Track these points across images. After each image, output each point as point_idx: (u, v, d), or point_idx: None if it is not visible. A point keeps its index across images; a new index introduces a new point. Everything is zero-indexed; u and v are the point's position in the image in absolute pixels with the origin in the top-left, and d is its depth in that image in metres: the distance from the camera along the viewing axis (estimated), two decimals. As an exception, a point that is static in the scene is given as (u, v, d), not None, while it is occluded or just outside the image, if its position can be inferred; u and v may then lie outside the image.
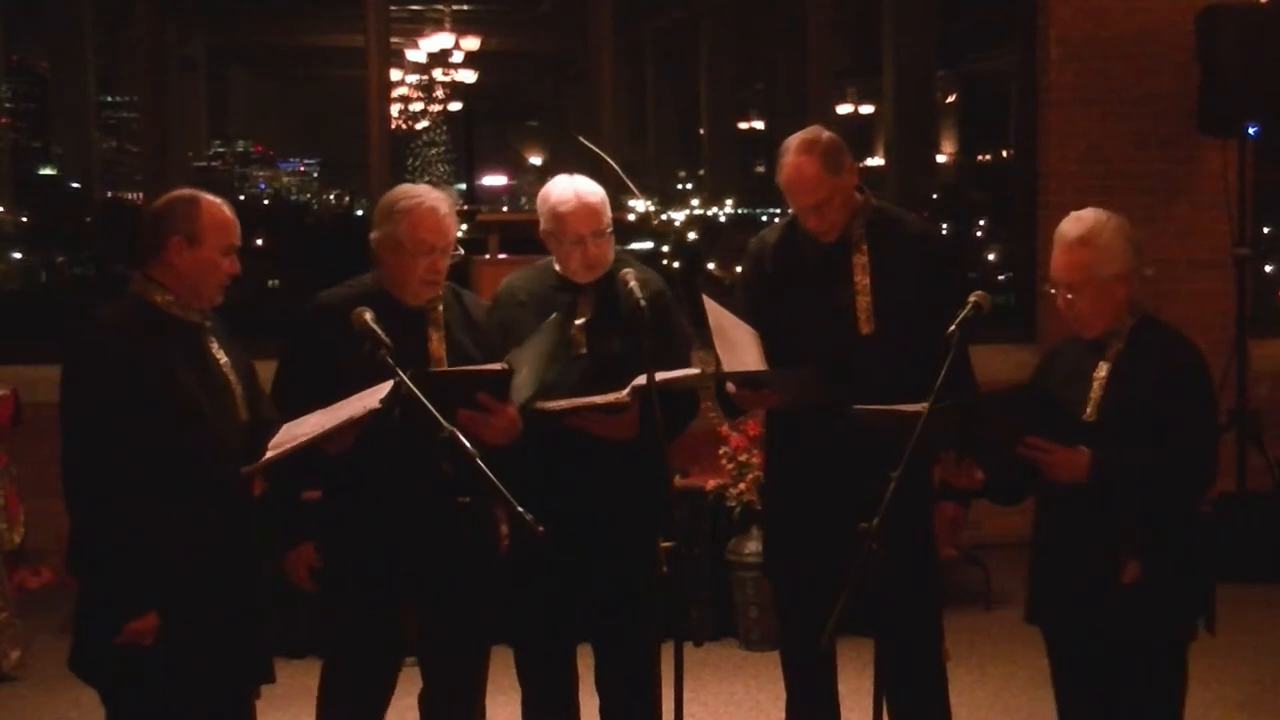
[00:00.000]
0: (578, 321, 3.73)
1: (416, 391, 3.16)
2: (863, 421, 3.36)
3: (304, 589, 3.55)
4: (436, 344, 3.59)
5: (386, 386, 3.21)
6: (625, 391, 3.53)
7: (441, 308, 3.64)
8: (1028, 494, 3.52)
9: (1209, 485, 3.41)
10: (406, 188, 3.66)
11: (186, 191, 3.37)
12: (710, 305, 3.62)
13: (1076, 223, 3.40)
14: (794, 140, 3.73)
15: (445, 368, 3.54)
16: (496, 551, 3.70)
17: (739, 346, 3.62)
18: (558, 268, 3.82)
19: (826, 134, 3.75)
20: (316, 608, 3.58)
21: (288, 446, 3.25)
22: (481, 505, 3.55)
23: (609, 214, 3.77)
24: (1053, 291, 3.43)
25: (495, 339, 3.71)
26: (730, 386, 3.64)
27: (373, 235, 3.62)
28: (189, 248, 3.26)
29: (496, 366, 3.49)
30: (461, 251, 3.67)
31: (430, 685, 3.69)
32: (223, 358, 3.34)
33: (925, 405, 3.21)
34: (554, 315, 3.66)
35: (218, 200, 3.35)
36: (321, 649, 3.69)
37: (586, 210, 3.71)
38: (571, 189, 3.75)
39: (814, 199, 3.67)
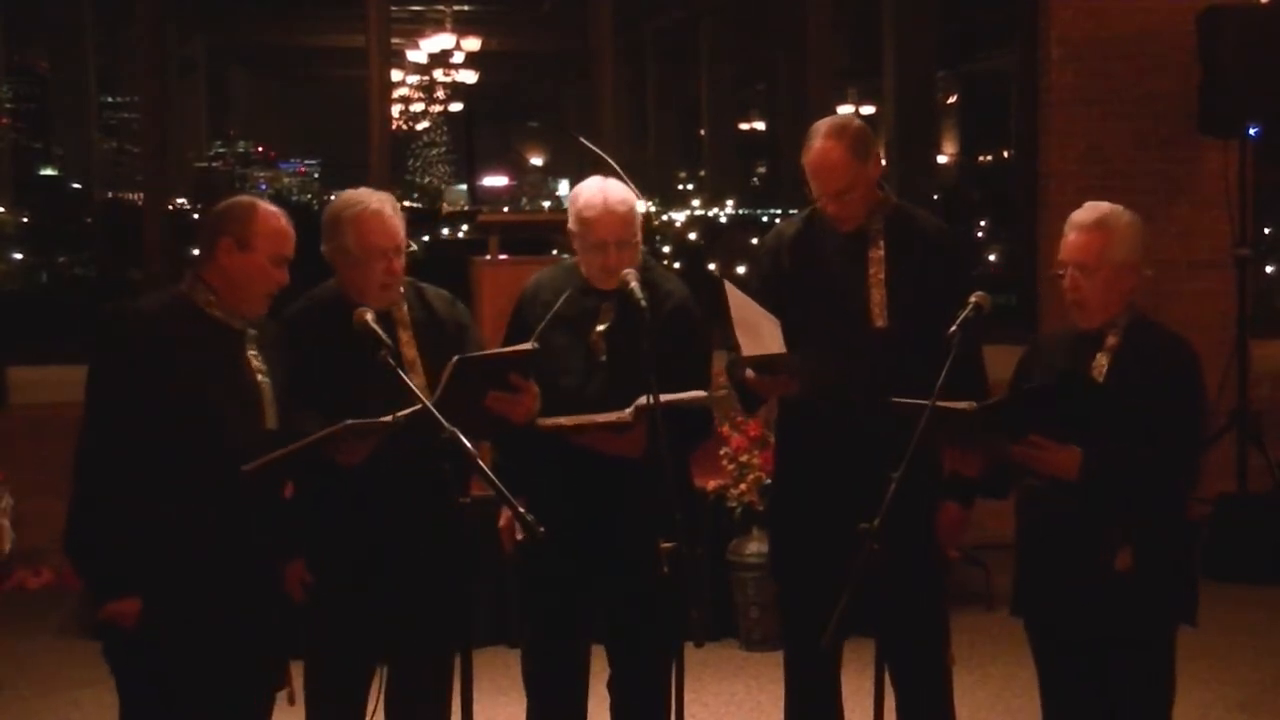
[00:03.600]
0: (599, 328, 3.71)
1: (425, 400, 3.15)
2: (900, 414, 3.34)
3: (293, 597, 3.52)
4: (407, 343, 3.58)
5: (410, 409, 3.20)
6: (628, 411, 3.52)
7: (406, 306, 3.63)
8: (1014, 486, 3.54)
9: (1193, 485, 3.45)
10: (348, 195, 3.63)
11: (246, 198, 3.42)
12: (732, 292, 3.58)
13: (1093, 209, 3.46)
14: (823, 124, 3.72)
15: (476, 353, 3.52)
16: (479, 555, 3.68)
17: (761, 334, 3.59)
18: (583, 269, 3.81)
19: (857, 122, 3.74)
20: (300, 607, 3.56)
21: (286, 448, 3.25)
22: (480, 507, 3.54)
23: (636, 224, 3.72)
24: (1060, 274, 3.45)
25: (468, 328, 3.72)
26: (749, 373, 3.62)
27: (323, 247, 3.61)
28: (238, 251, 3.29)
29: (526, 346, 3.49)
30: (414, 247, 3.65)
31: (398, 688, 3.65)
32: (259, 365, 3.34)
33: (969, 404, 3.24)
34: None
35: (275, 210, 3.38)
36: (309, 649, 3.67)
37: (612, 218, 3.67)
38: (601, 194, 3.70)
39: (838, 185, 3.65)
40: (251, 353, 3.34)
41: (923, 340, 3.54)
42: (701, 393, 3.63)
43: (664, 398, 3.43)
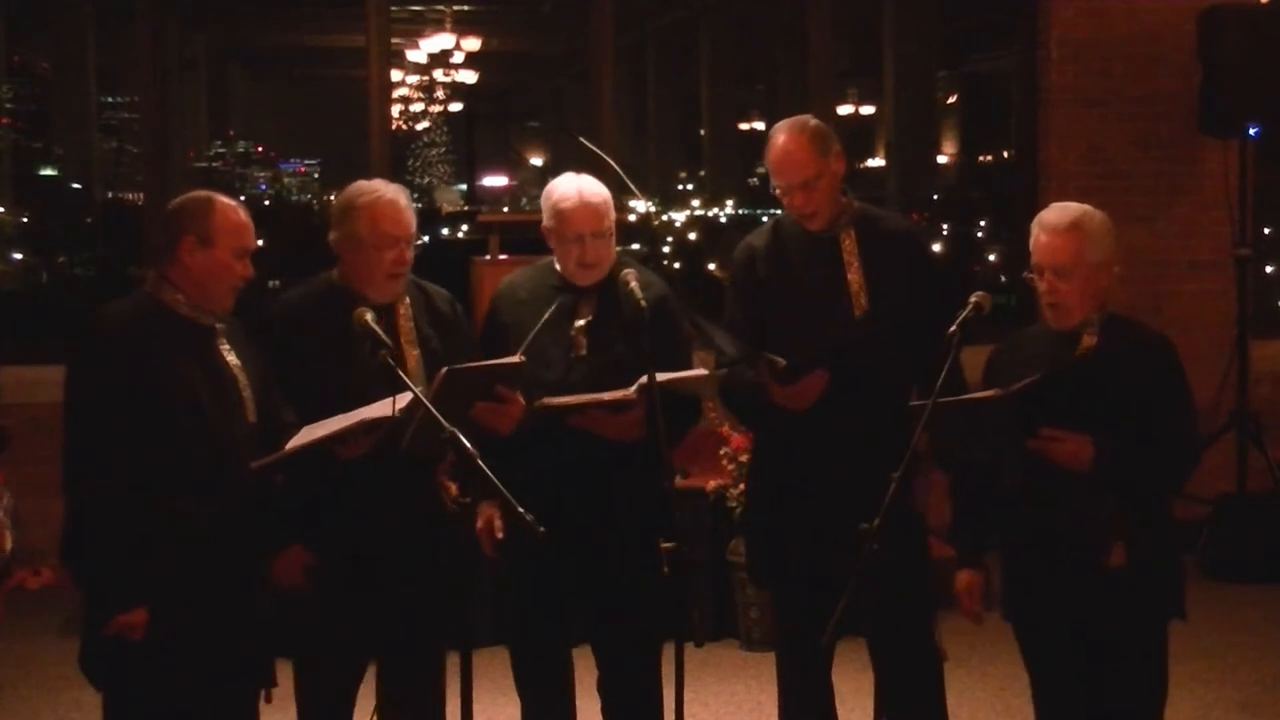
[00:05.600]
0: (579, 323, 3.73)
1: (422, 398, 3.16)
2: (934, 415, 3.31)
3: (296, 590, 3.47)
4: (406, 339, 3.59)
5: (405, 396, 3.20)
6: (632, 389, 3.54)
7: (408, 300, 3.64)
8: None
9: (1194, 467, 3.47)
10: (361, 184, 3.64)
11: (202, 193, 3.38)
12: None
13: (1063, 211, 3.46)
14: (782, 123, 3.79)
15: (462, 365, 3.53)
16: (475, 556, 3.67)
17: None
18: (558, 267, 3.83)
19: (815, 120, 3.81)
20: (289, 606, 3.53)
21: (297, 444, 3.26)
22: (469, 507, 3.54)
23: (611, 216, 3.77)
24: (1032, 276, 3.46)
25: (464, 332, 3.74)
26: (781, 395, 3.61)
27: (331, 235, 3.60)
28: (201, 248, 3.27)
29: (514, 359, 3.51)
30: (425, 239, 3.67)
31: (392, 688, 3.66)
32: (233, 359, 3.33)
33: (995, 391, 3.28)
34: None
35: (233, 202, 3.36)
36: (298, 648, 3.66)
37: (587, 210, 3.71)
38: (575, 187, 3.75)
39: (803, 176, 3.69)
40: (224, 347, 3.33)
41: (902, 333, 3.57)
42: (703, 371, 3.69)
43: (667, 376, 3.49)
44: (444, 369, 3.32)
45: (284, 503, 3.43)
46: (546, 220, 3.78)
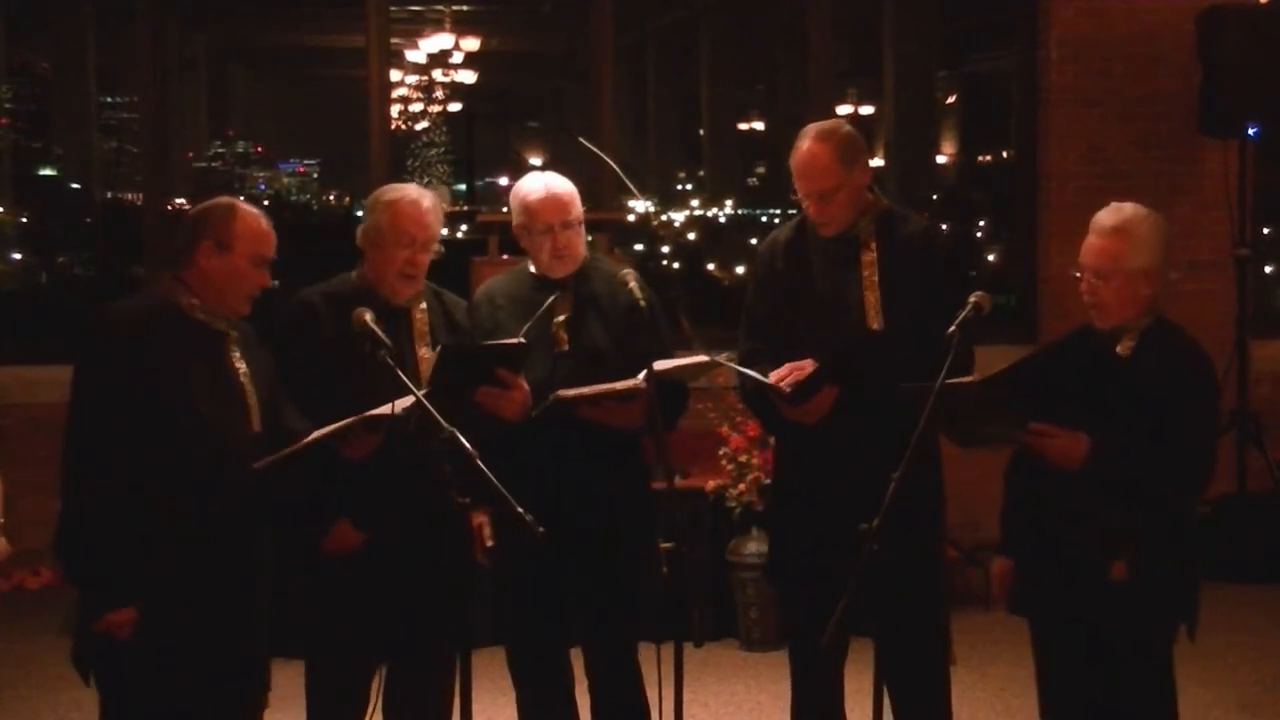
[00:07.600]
0: (558, 319, 3.77)
1: (420, 397, 3.17)
2: (905, 399, 3.29)
3: (343, 555, 3.51)
4: (420, 343, 3.61)
5: (407, 400, 3.21)
6: (640, 377, 3.55)
7: (424, 306, 3.67)
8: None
9: (1202, 488, 3.41)
10: (396, 184, 3.75)
11: (226, 199, 3.42)
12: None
13: (1115, 212, 3.41)
14: (813, 126, 3.74)
15: (465, 345, 3.55)
16: (475, 556, 3.68)
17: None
18: (532, 268, 3.87)
19: (847, 128, 3.76)
20: (300, 606, 3.57)
21: (296, 445, 3.26)
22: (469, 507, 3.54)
23: (578, 207, 3.83)
24: (1078, 275, 3.43)
25: (476, 339, 3.75)
26: (792, 412, 3.61)
27: (359, 230, 3.69)
28: (218, 254, 3.29)
29: (514, 340, 3.53)
30: (442, 250, 3.72)
31: (398, 688, 3.67)
32: (243, 367, 3.34)
33: (972, 378, 3.26)
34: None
35: (255, 211, 3.39)
36: (310, 649, 3.68)
37: (555, 201, 3.77)
38: (541, 181, 3.83)
39: (820, 186, 3.66)
40: (235, 354, 3.34)
41: (916, 338, 3.55)
42: (704, 357, 3.71)
43: (672, 364, 3.55)
44: (439, 345, 3.35)
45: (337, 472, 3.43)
46: (516, 219, 3.83)
